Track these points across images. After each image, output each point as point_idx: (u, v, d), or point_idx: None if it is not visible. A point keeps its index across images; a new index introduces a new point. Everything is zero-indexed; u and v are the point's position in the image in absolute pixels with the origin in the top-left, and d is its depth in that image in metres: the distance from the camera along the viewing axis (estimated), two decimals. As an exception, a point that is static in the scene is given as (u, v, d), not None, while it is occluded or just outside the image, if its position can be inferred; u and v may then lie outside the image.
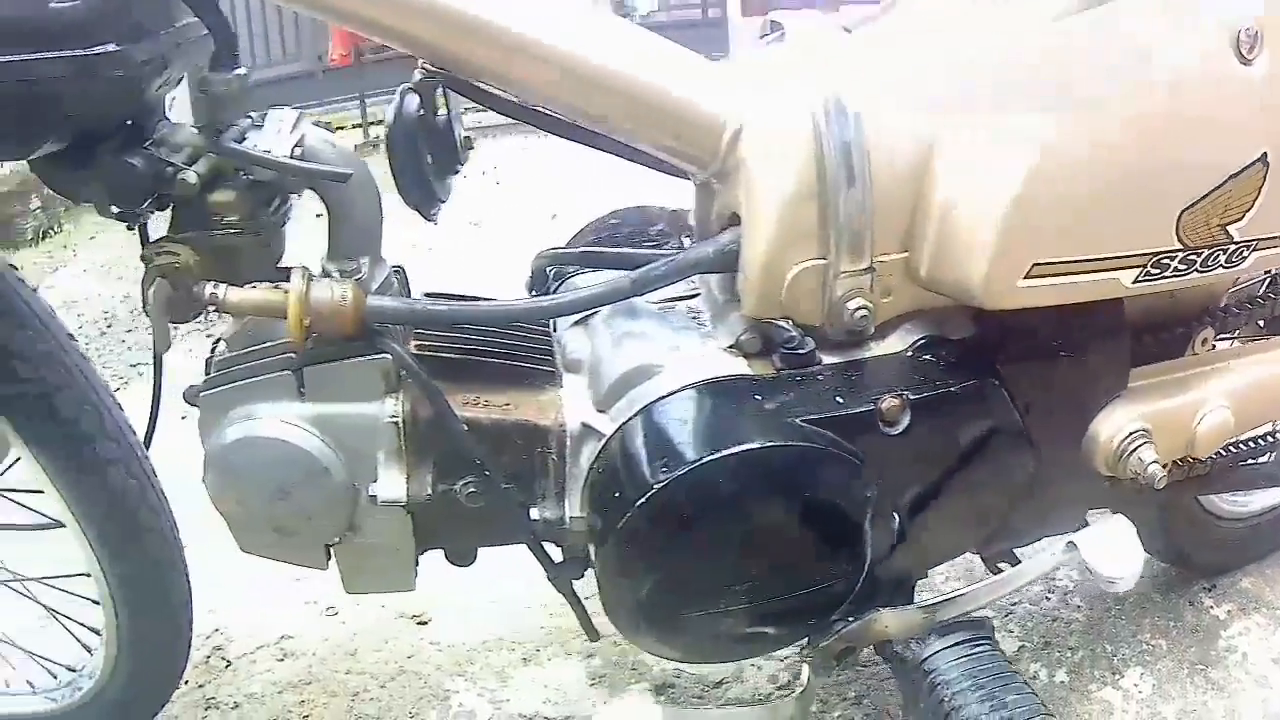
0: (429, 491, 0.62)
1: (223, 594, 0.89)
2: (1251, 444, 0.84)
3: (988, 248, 0.59)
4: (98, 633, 0.80)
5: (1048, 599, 1.01)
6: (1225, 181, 0.64)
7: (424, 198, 0.64)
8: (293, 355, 0.61)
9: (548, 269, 0.72)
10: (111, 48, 0.54)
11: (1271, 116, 0.65)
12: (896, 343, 0.65)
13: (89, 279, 2.68)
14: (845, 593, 0.64)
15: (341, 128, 3.83)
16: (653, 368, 0.62)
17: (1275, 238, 0.68)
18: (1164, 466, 0.68)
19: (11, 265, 0.68)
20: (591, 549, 0.63)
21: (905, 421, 0.61)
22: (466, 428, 0.61)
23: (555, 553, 0.66)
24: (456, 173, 0.66)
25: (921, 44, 0.64)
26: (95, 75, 0.54)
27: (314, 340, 0.60)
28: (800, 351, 0.62)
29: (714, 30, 4.90)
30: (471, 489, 0.62)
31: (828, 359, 0.63)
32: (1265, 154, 0.65)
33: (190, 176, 0.58)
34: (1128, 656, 0.95)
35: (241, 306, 0.59)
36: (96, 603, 0.77)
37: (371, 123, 3.76)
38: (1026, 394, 0.66)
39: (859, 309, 0.61)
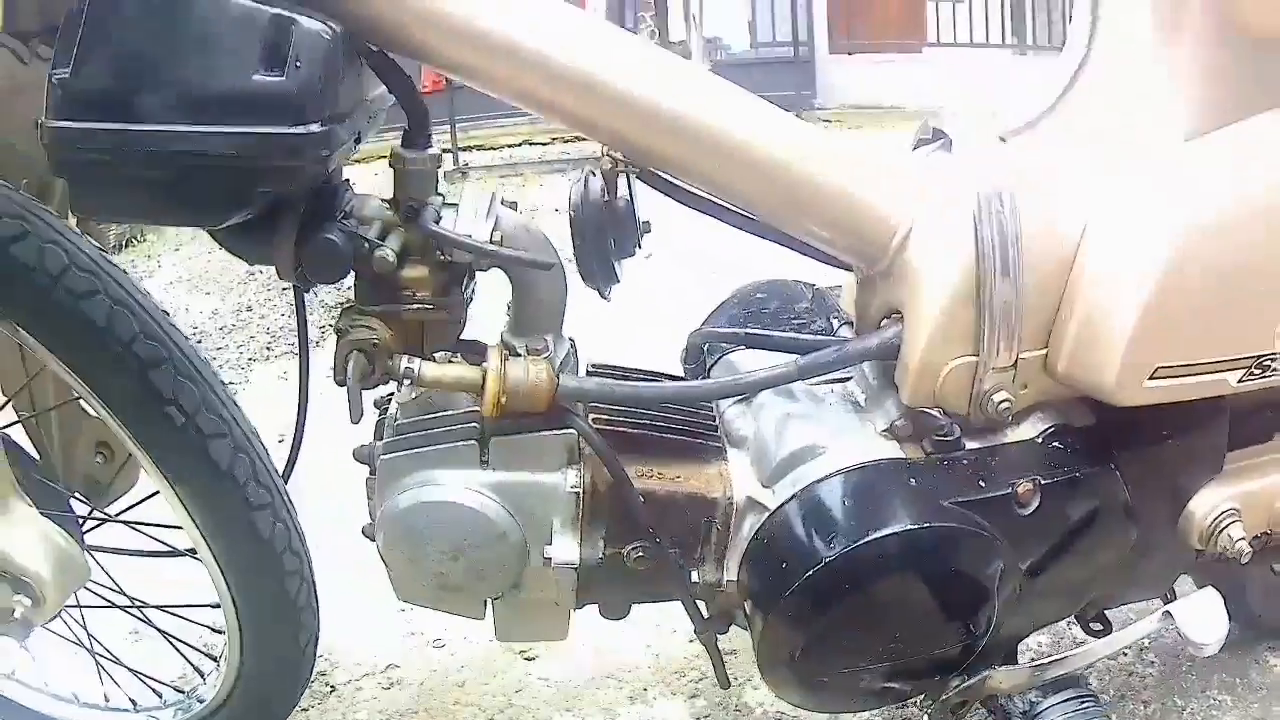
0: (600, 555, 0.66)
1: (329, 620, 0.91)
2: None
3: (1121, 351, 0.65)
4: (215, 659, 0.83)
5: (1125, 654, 1.07)
6: None
7: (604, 278, 0.68)
8: (476, 425, 0.64)
9: (703, 345, 0.76)
10: (316, 129, 0.54)
11: None
12: (1029, 430, 0.71)
13: (177, 291, 2.67)
14: (969, 653, 0.70)
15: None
16: (815, 448, 0.67)
17: None
18: (1249, 542, 0.76)
19: (165, 311, 0.70)
20: (746, 610, 0.68)
21: (1036, 503, 0.67)
22: (642, 498, 0.66)
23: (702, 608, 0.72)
24: (634, 255, 0.69)
25: (1070, 158, 0.69)
26: (299, 154, 0.54)
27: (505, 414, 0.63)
28: (949, 438, 0.68)
29: (804, 67, 4.98)
30: (640, 553, 0.66)
31: (970, 444, 0.69)
32: None
33: (389, 254, 0.60)
34: (1196, 710, 1.02)
35: (439, 382, 0.62)
36: (220, 632, 0.80)
37: (461, 148, 3.91)
38: (1136, 476, 0.73)
39: (1003, 402, 0.67)
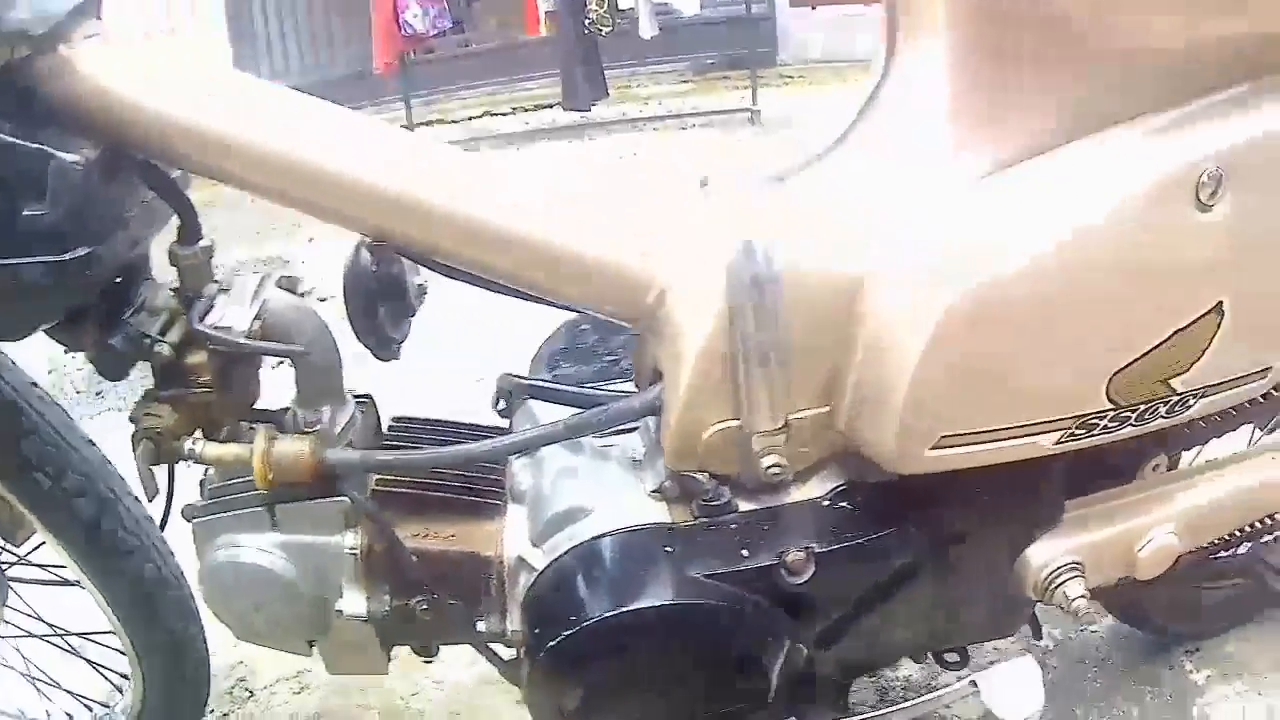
0: (387, 608, 0.71)
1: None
2: (1223, 539, 0.83)
3: (894, 418, 0.60)
4: (126, 677, 0.93)
5: (1028, 654, 1.04)
6: (1170, 337, 0.62)
7: (378, 343, 0.70)
8: (264, 493, 0.70)
9: (510, 390, 0.77)
10: (82, 251, 0.59)
11: (1230, 261, 0.62)
12: (815, 488, 0.67)
13: None
14: (751, 716, 0.69)
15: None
16: (583, 510, 0.68)
17: (1226, 382, 0.65)
18: (1093, 595, 0.69)
19: (33, 382, 0.78)
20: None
21: (809, 572, 0.64)
22: (415, 558, 0.69)
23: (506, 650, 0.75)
24: (411, 317, 0.71)
25: (848, 200, 0.63)
26: (72, 276, 0.59)
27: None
28: (715, 503, 0.66)
29: (764, 25, 4.67)
30: (424, 606, 0.70)
31: (746, 504, 0.67)
32: (1221, 302, 0.62)
33: (165, 349, 0.65)
34: None
35: (218, 461, 0.67)
36: (123, 654, 0.89)
37: (421, 123, 3.90)
38: (949, 533, 0.67)
39: (772, 467, 0.64)
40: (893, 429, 0.61)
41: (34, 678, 0.93)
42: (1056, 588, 0.68)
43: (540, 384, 0.75)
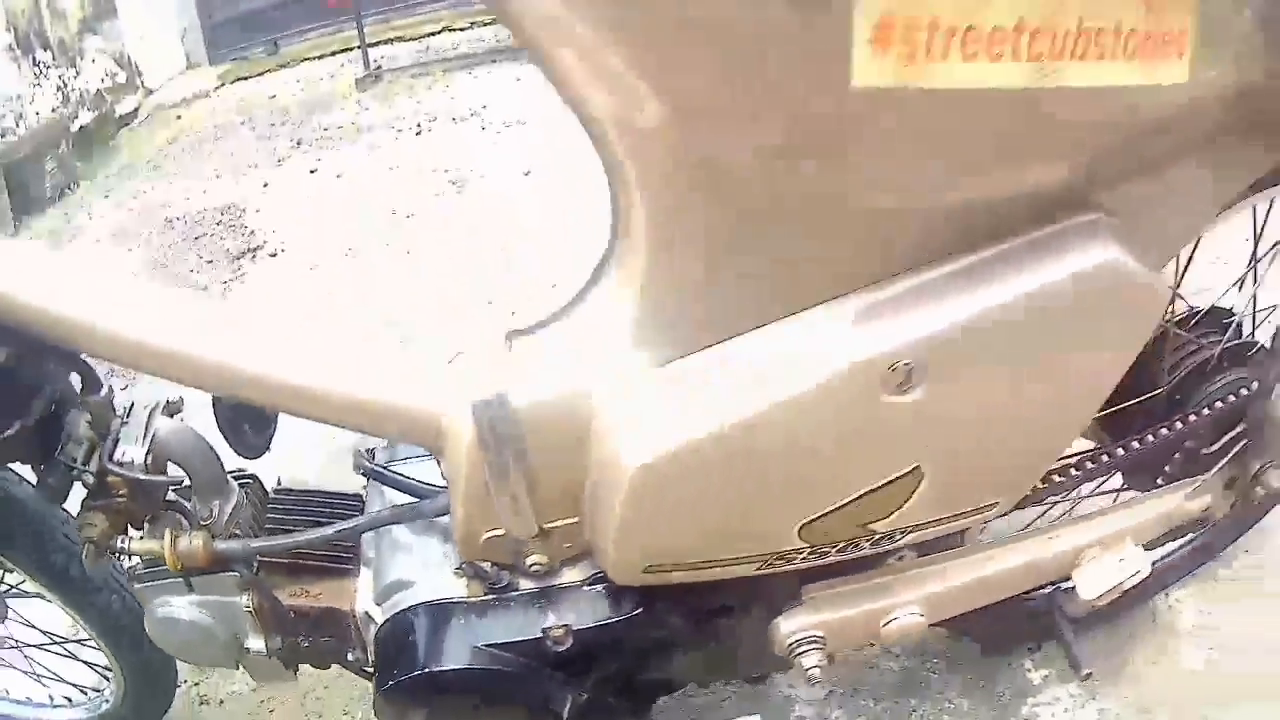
0: (280, 645, 0.93)
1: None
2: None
3: (611, 547, 0.74)
4: (109, 670, 1.18)
5: (871, 645, 1.18)
6: (860, 496, 0.70)
7: (246, 449, 0.89)
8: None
9: (362, 466, 0.94)
10: (16, 426, 0.79)
11: (926, 434, 0.69)
12: (578, 574, 0.83)
13: (103, 248, 2.95)
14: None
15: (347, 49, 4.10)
16: (404, 583, 0.86)
17: (940, 520, 0.74)
18: (830, 662, 0.83)
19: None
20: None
21: (569, 643, 0.81)
22: (292, 612, 0.90)
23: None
24: (274, 424, 0.89)
25: (573, 360, 0.74)
26: (6, 443, 0.80)
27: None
28: (497, 585, 0.83)
29: None
30: (305, 643, 0.92)
31: (526, 584, 0.84)
32: (918, 465, 0.70)
33: (88, 478, 0.85)
34: (927, 713, 1.10)
35: (143, 554, 0.89)
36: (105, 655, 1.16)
37: (379, 41, 4.04)
38: (697, 612, 0.82)
39: (534, 565, 0.81)
40: (611, 554, 0.74)
41: (37, 675, 1.23)
42: (797, 656, 0.83)
43: (378, 468, 0.92)
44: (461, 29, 4.39)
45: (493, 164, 2.95)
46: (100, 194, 3.43)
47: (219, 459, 0.90)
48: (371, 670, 0.91)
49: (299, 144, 3.46)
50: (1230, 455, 1.01)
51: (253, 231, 2.80)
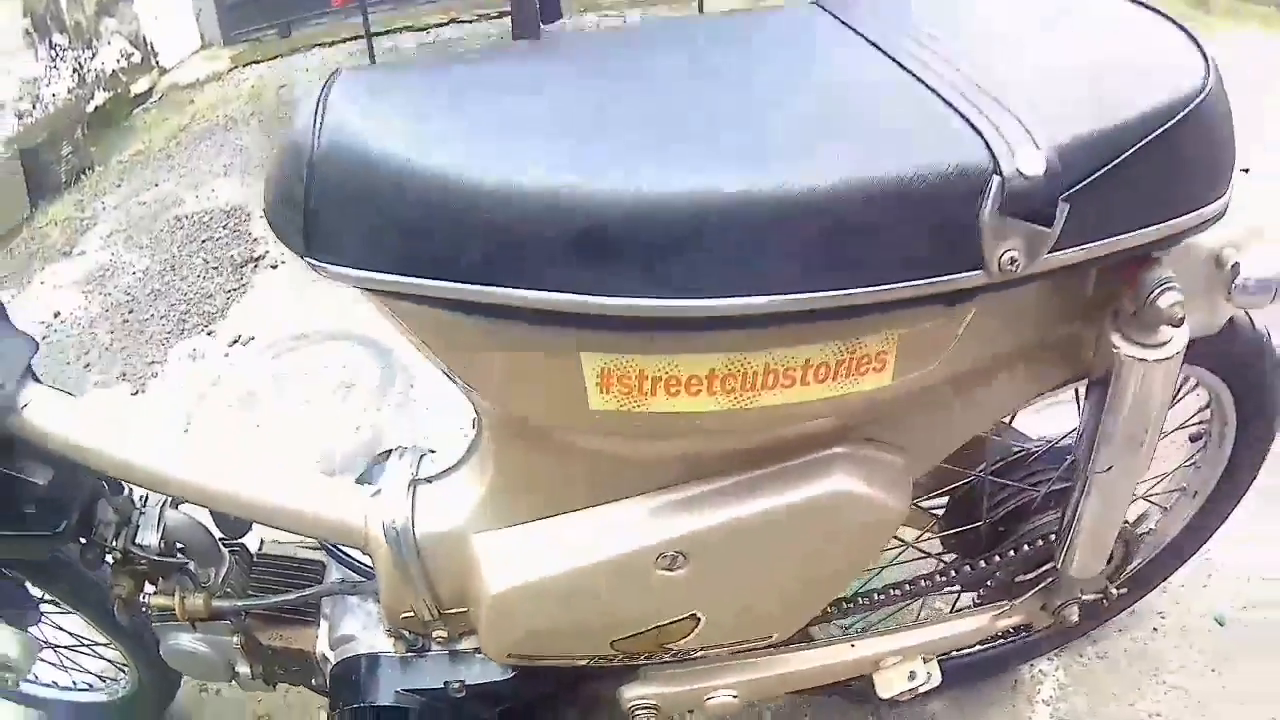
0: (261, 671, 1.25)
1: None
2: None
3: (482, 639, 1.02)
4: (126, 667, 1.53)
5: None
6: (651, 629, 0.97)
7: (231, 532, 1.19)
8: (186, 617, 1.23)
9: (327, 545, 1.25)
10: (65, 523, 1.08)
11: (697, 594, 0.93)
12: (474, 642, 1.13)
13: (115, 245, 3.05)
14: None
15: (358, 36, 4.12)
16: (348, 637, 1.17)
17: (727, 644, 1.02)
18: None
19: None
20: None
21: (464, 693, 1.12)
22: (270, 651, 1.22)
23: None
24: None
25: (448, 505, 1.02)
26: (58, 536, 1.09)
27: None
28: (415, 646, 1.14)
29: None
30: (281, 672, 1.25)
31: (437, 646, 1.14)
32: (695, 613, 0.97)
33: (116, 554, 1.16)
34: None
35: (161, 609, 1.20)
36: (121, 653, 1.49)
37: (387, 30, 4.20)
38: (556, 680, 1.12)
39: (437, 636, 1.11)
40: (483, 643, 1.04)
41: (65, 666, 1.56)
42: (635, 713, 1.13)
43: (332, 547, 1.22)
44: (469, 21, 4.48)
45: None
46: (114, 181, 3.54)
47: (213, 536, 1.21)
48: (326, 693, 1.24)
49: (305, 143, 3.65)
50: (1038, 587, 1.17)
51: (256, 239, 3.01)
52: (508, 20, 4.06)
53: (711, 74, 0.77)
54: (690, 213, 0.62)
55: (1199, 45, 0.75)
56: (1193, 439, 1.24)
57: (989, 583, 1.19)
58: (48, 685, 1.59)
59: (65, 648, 1.52)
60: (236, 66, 4.52)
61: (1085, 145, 0.64)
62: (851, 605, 1.19)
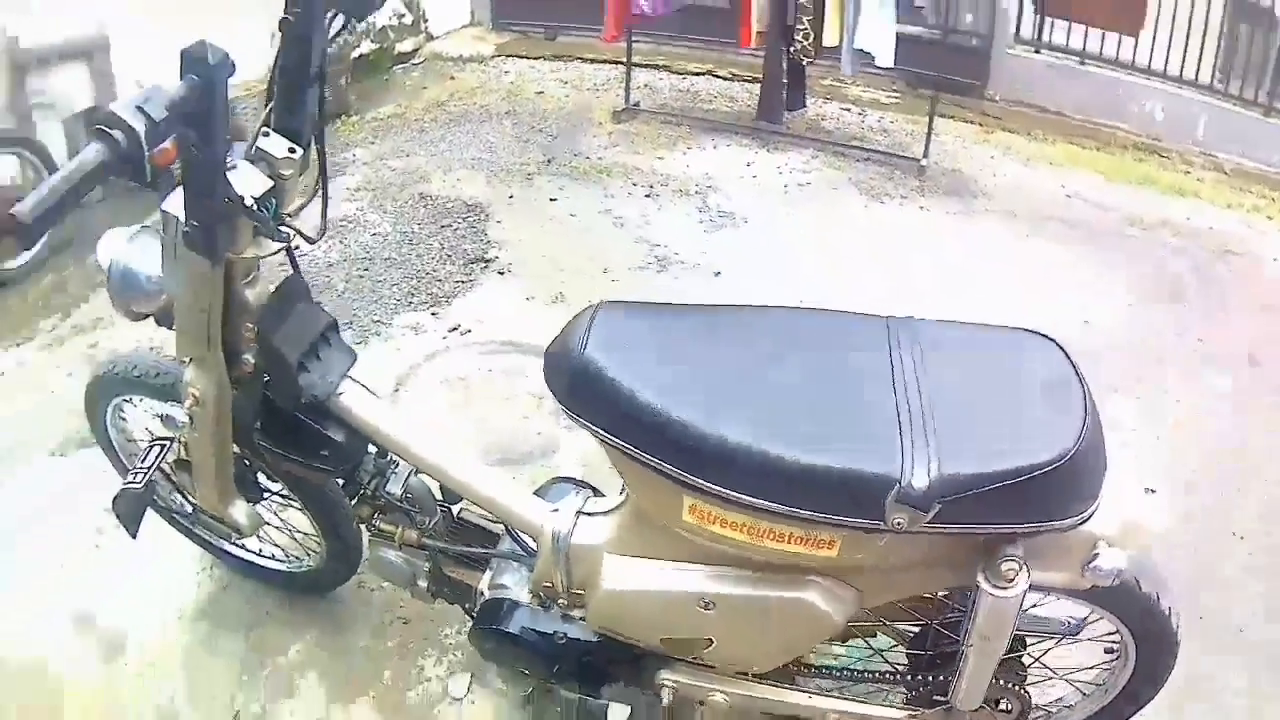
0: (435, 589, 1.94)
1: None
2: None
3: (589, 614, 1.67)
4: (318, 547, 2.24)
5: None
6: (684, 639, 1.59)
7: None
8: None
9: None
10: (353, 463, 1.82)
11: (715, 626, 1.53)
12: (580, 613, 1.78)
13: (361, 200, 3.08)
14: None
15: (617, 62, 4.29)
16: (504, 586, 1.85)
17: (728, 664, 1.65)
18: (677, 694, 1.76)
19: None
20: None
21: (565, 641, 1.78)
22: (449, 578, 1.92)
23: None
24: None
25: (606, 531, 1.67)
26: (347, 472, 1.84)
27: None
28: (544, 606, 1.80)
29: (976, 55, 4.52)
30: (449, 592, 1.95)
31: (557, 611, 1.79)
32: (711, 638, 1.59)
33: (365, 493, 1.87)
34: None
35: (383, 532, 1.90)
36: (317, 537, 2.20)
37: (637, 64, 4.34)
38: (624, 648, 1.76)
39: (560, 604, 1.75)
40: (589, 616, 1.68)
41: (271, 546, 2.29)
42: (660, 688, 1.75)
43: (512, 532, 1.89)
44: (723, 78, 4.60)
45: (696, 253, 3.06)
46: (367, 136, 3.69)
47: (434, 497, 1.90)
48: (474, 616, 1.92)
49: (549, 163, 3.62)
50: (939, 707, 1.59)
51: (490, 241, 3.13)
52: (757, 86, 4.24)
53: (809, 369, 1.36)
54: (753, 461, 1.24)
55: (1086, 399, 1.25)
56: (1106, 651, 1.61)
57: (916, 691, 1.66)
58: (251, 551, 2.32)
59: (274, 528, 2.23)
60: (500, 55, 4.59)
61: (964, 479, 1.16)
62: (824, 671, 1.77)
